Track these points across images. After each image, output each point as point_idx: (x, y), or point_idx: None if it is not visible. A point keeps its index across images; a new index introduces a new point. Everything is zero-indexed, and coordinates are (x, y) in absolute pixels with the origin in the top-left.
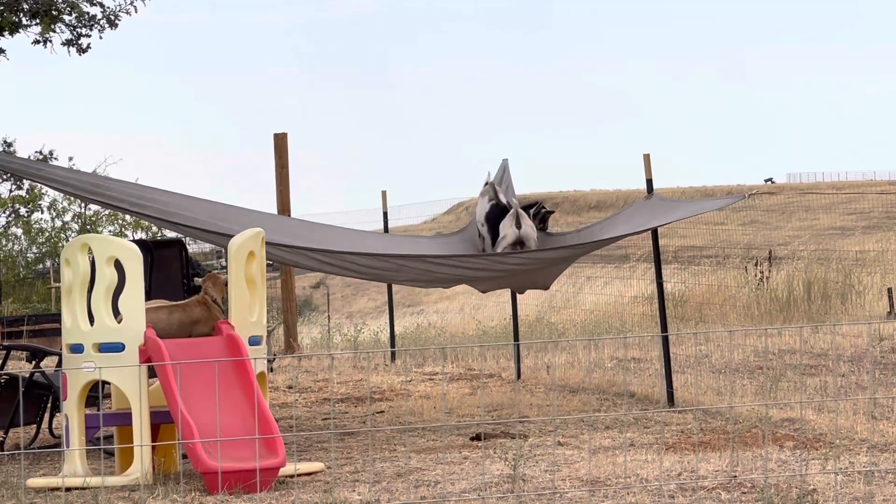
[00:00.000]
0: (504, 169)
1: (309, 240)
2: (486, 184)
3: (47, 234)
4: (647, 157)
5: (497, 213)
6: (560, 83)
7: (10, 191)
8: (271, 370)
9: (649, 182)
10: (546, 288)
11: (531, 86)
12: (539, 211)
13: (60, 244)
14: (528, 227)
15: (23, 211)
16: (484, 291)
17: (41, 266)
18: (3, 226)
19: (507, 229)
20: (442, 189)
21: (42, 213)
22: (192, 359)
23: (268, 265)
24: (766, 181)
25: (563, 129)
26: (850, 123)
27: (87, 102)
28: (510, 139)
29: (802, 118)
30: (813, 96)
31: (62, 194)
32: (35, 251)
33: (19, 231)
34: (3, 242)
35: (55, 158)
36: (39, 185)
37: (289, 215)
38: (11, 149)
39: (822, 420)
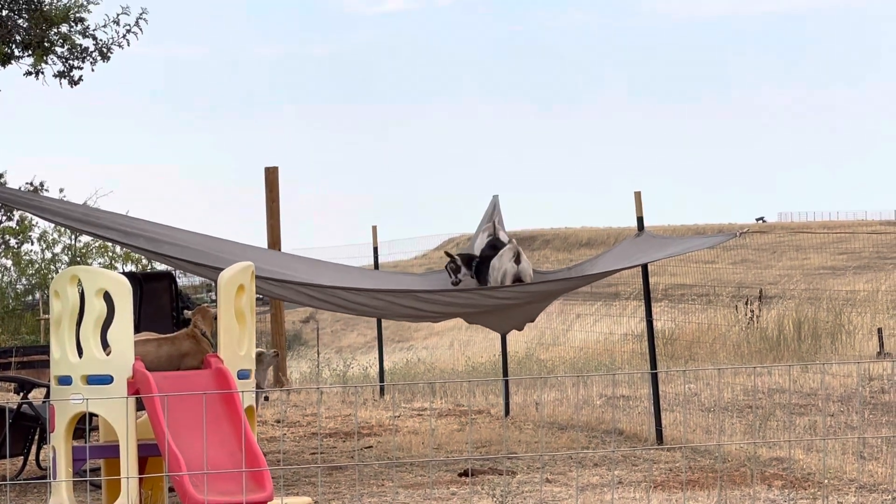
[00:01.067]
0: (494, 205)
1: (299, 274)
2: (489, 223)
3: (37, 265)
4: (637, 195)
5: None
6: (551, 120)
7: (0, 222)
8: (266, 399)
9: (640, 220)
10: (525, 323)
11: (523, 122)
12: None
13: (50, 276)
14: (526, 262)
15: (13, 242)
16: (471, 323)
17: (30, 297)
18: None
19: (506, 264)
20: (433, 225)
21: (32, 244)
22: (181, 392)
23: (257, 299)
24: (757, 220)
25: (555, 165)
26: (842, 163)
27: (78, 134)
28: (501, 175)
29: (794, 157)
30: (804, 136)
31: (53, 225)
32: (24, 282)
33: (9, 262)
34: None
35: (46, 189)
36: (30, 216)
37: (279, 249)
38: (2, 179)
39: (810, 460)
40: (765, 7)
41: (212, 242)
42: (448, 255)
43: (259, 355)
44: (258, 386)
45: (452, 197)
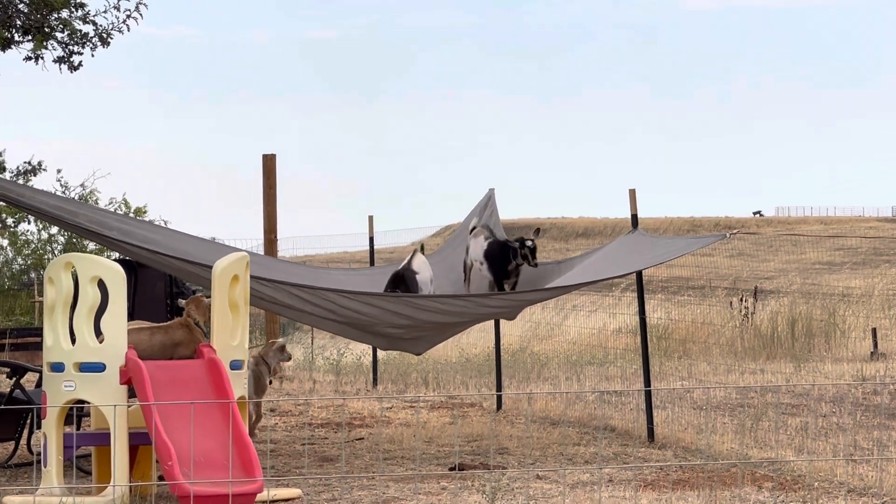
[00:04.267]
0: (489, 198)
1: (291, 277)
2: (476, 227)
3: (33, 245)
4: (632, 193)
5: (496, 249)
6: (550, 110)
7: None
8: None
9: (634, 217)
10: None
11: (521, 112)
12: (521, 249)
13: (46, 256)
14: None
15: (10, 221)
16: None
17: (26, 278)
18: None
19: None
20: (429, 215)
21: (29, 223)
22: (173, 381)
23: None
24: (754, 214)
25: (552, 155)
26: (842, 159)
27: (76, 115)
28: (499, 164)
29: (794, 152)
30: (804, 131)
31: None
32: (20, 262)
33: (5, 242)
34: None
35: (44, 170)
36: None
37: (275, 236)
38: (1, 158)
39: (801, 461)
40: (766, 2)
41: (204, 246)
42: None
43: (282, 347)
44: (270, 370)
45: (450, 185)
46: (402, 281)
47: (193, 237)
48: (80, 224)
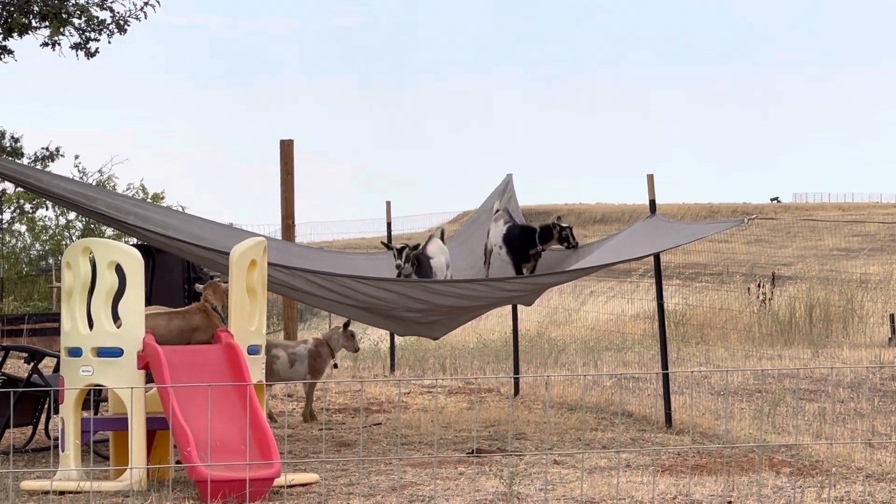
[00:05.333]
0: (507, 183)
1: (308, 263)
2: (497, 210)
3: (51, 231)
4: (650, 178)
5: (515, 234)
6: (568, 96)
7: (16, 187)
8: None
9: (652, 202)
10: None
11: (539, 96)
12: (562, 232)
13: (64, 242)
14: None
15: (27, 207)
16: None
17: (44, 263)
18: (7, 222)
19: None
20: (446, 201)
21: (47, 209)
22: (190, 366)
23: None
24: (772, 200)
25: (570, 141)
26: (859, 144)
27: (94, 101)
28: (517, 150)
29: (811, 138)
30: (821, 116)
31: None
32: (38, 248)
33: (23, 228)
34: (7, 239)
35: (62, 155)
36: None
37: (293, 222)
38: (18, 144)
39: (819, 447)
40: None
41: (221, 231)
42: (386, 245)
43: (352, 335)
44: (332, 354)
45: (467, 171)
46: (417, 265)
47: (211, 222)
48: (97, 209)
